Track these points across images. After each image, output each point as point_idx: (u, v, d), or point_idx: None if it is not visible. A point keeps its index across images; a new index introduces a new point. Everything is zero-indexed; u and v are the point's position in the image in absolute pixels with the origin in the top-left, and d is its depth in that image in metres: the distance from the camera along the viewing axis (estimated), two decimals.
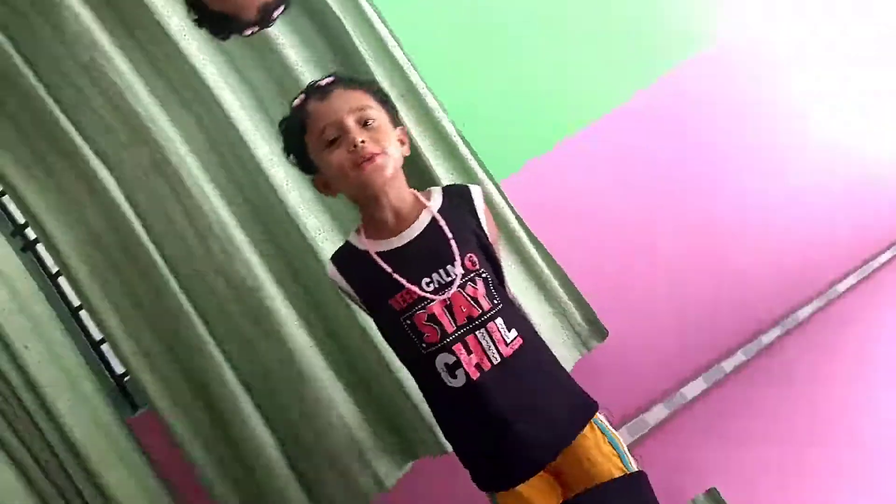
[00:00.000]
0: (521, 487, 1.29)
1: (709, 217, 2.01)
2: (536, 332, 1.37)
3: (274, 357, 1.68)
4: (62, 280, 1.77)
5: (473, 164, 1.79)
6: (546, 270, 1.82)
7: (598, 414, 1.34)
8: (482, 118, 1.90)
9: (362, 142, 1.24)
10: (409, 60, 1.80)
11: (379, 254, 1.29)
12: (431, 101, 1.79)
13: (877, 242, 2.10)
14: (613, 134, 1.96)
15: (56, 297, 1.84)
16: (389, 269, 1.27)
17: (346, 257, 1.35)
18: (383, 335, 1.37)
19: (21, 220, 1.85)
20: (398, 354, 1.37)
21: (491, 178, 1.81)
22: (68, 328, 1.76)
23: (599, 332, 1.87)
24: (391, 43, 1.78)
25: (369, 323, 1.58)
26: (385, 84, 1.73)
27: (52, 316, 1.71)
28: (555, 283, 1.82)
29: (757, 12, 2.08)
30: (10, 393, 1.64)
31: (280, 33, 1.71)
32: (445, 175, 1.76)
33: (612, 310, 1.88)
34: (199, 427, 1.71)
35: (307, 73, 1.70)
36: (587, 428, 1.31)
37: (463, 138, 1.80)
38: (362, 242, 1.32)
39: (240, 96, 1.73)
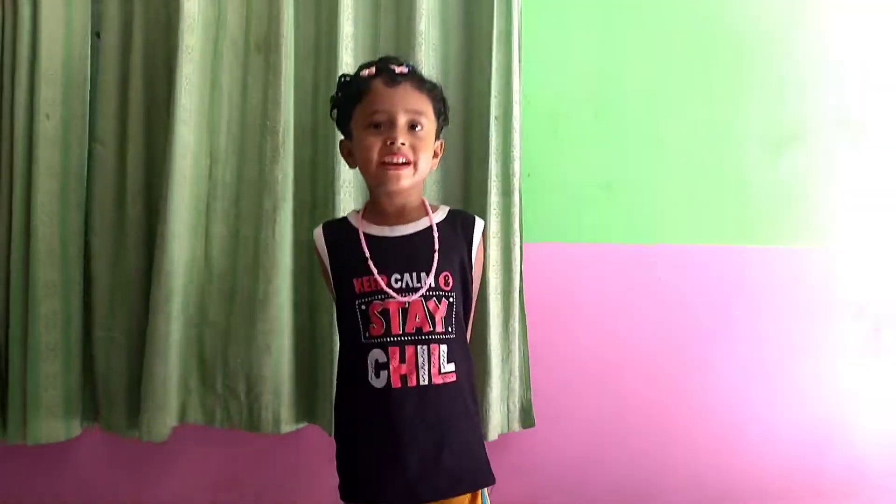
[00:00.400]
0: None
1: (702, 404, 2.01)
2: (473, 383, 1.37)
3: (253, 260, 1.75)
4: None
5: (517, 208, 1.82)
6: (517, 338, 1.85)
7: (486, 490, 1.34)
8: (552, 178, 1.93)
9: (402, 143, 1.27)
10: (520, 92, 1.82)
11: (366, 235, 1.32)
12: (516, 138, 1.82)
13: None
14: (665, 262, 1.97)
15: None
16: (367, 253, 1.30)
17: (336, 229, 1.38)
18: (337, 315, 1.39)
19: None
20: (341, 337, 1.39)
21: (521, 230, 1.84)
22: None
23: (527, 420, 1.89)
24: (515, 68, 1.81)
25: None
26: (492, 100, 1.79)
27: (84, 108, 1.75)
28: (517, 355, 1.85)
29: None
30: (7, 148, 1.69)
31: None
32: (490, 205, 1.80)
33: (551, 415, 1.91)
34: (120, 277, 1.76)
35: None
36: (470, 496, 1.30)
37: (520, 186, 1.83)
38: (357, 221, 1.35)
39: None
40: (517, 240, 1.83)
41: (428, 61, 1.78)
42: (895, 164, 2.04)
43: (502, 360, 1.84)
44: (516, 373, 1.86)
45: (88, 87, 1.74)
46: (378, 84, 1.30)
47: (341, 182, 1.72)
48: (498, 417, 1.83)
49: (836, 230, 2.02)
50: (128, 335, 1.76)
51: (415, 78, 1.33)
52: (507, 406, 1.86)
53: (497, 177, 1.82)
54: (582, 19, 1.95)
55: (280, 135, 1.72)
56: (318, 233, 1.39)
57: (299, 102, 1.78)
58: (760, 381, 2.00)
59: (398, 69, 1.32)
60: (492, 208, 1.80)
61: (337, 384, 1.38)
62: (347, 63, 1.73)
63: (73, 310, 1.73)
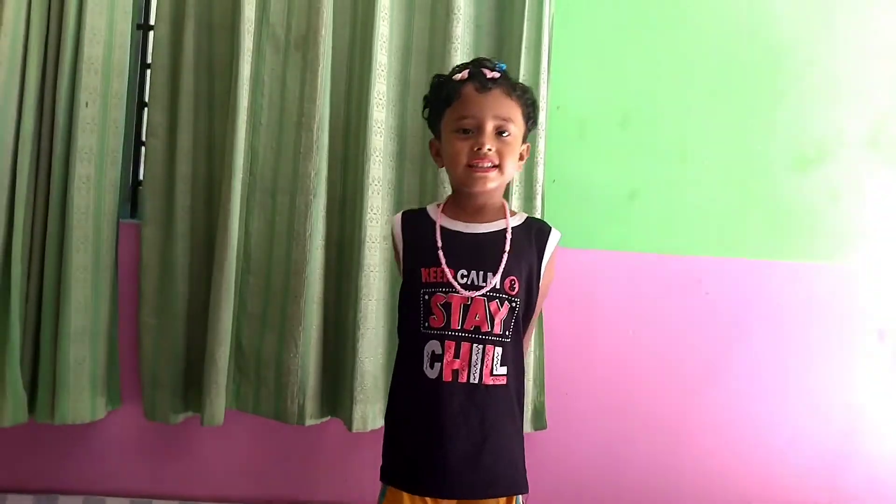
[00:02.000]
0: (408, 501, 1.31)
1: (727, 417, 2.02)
2: (522, 392, 1.38)
3: (285, 254, 1.79)
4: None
5: (538, 213, 1.85)
6: (532, 340, 1.86)
7: (522, 497, 1.35)
8: (577, 185, 1.97)
9: (489, 149, 1.30)
10: (547, 99, 1.87)
11: (442, 228, 1.35)
12: (542, 144, 1.86)
13: None
14: (687, 273, 1.99)
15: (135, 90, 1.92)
16: (440, 244, 1.32)
17: (415, 218, 1.41)
18: (400, 302, 1.40)
19: None
20: (400, 323, 1.39)
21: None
22: (129, 116, 1.85)
23: (539, 422, 1.92)
24: (543, 77, 1.85)
25: (366, 289, 1.75)
26: None
27: (123, 97, 1.79)
28: (531, 357, 1.86)
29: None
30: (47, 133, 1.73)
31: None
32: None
33: (564, 419, 1.94)
34: (169, 264, 1.80)
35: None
36: (505, 500, 1.32)
37: (545, 191, 1.87)
38: (436, 214, 1.38)
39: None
40: None
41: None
42: None
43: None
44: (530, 375, 1.87)
45: (127, 77, 1.78)
46: (469, 89, 1.33)
47: (370, 179, 1.76)
48: None
49: (861, 247, 2.03)
50: (174, 322, 1.80)
51: (506, 83, 1.35)
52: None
53: (520, 182, 1.85)
54: (613, 30, 1.98)
55: (314, 131, 1.75)
56: (397, 218, 1.43)
57: (335, 100, 1.82)
58: (778, 394, 2.02)
59: (490, 74, 1.34)
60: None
61: (394, 370, 1.40)
62: (382, 63, 1.76)
63: (102, 295, 1.77)
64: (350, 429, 1.78)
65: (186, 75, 1.77)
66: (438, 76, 1.42)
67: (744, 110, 2.00)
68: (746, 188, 2.00)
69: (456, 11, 1.79)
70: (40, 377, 1.73)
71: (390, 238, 1.70)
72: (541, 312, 1.85)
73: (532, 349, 1.87)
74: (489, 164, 1.30)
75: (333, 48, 1.80)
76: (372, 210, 1.77)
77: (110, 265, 1.79)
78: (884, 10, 2.04)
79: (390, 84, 1.82)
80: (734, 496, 2.01)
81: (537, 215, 1.84)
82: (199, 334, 1.83)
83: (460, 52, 1.81)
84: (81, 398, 1.74)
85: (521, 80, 1.81)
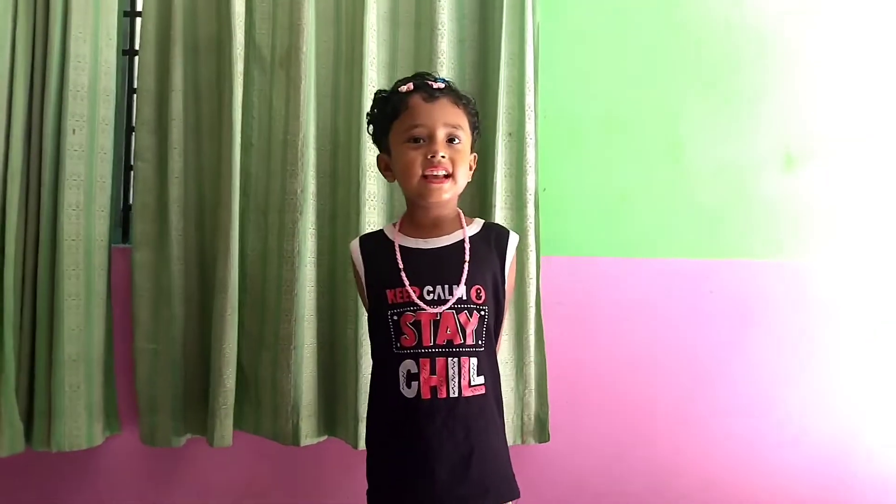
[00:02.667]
0: None
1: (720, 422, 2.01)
2: (500, 397, 1.39)
3: (276, 273, 1.80)
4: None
5: (531, 222, 1.84)
6: (532, 350, 1.87)
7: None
8: (569, 193, 1.96)
9: (442, 156, 1.31)
10: (534, 108, 1.86)
11: (401, 247, 1.35)
12: (531, 153, 1.85)
13: None
14: (680, 276, 1.99)
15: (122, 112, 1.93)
16: (401, 265, 1.33)
17: (372, 242, 1.41)
18: (369, 326, 1.41)
19: None
20: (373, 348, 1.41)
21: (537, 244, 1.86)
22: (117, 141, 1.85)
23: (542, 434, 1.90)
24: (529, 86, 1.84)
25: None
26: (502, 117, 1.83)
27: (111, 123, 1.80)
28: (531, 368, 1.86)
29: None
30: (35, 161, 1.74)
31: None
32: (501, 220, 1.82)
33: (566, 429, 1.93)
34: (163, 287, 1.81)
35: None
36: None
37: (537, 200, 1.86)
38: (393, 234, 1.39)
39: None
40: (532, 254, 1.84)
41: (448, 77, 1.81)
42: None
43: (516, 372, 1.86)
44: (531, 386, 1.87)
45: (114, 103, 1.79)
46: (416, 99, 1.34)
47: (367, 195, 1.76)
48: (510, 429, 1.84)
49: (853, 244, 2.03)
50: (171, 345, 1.80)
51: (451, 93, 1.37)
52: (522, 419, 1.88)
53: (510, 192, 1.85)
54: (599, 36, 1.98)
55: (299, 148, 1.76)
56: (355, 244, 1.43)
57: (321, 116, 1.82)
58: (778, 393, 2.01)
59: (435, 85, 1.36)
60: (504, 223, 1.81)
61: (369, 393, 1.40)
62: (372, 79, 1.77)
63: (95, 321, 1.77)
64: (356, 447, 1.77)
65: (175, 99, 1.78)
66: (380, 91, 1.44)
67: (731, 109, 2.00)
68: (737, 188, 2.00)
69: (440, 27, 1.79)
70: (36, 405, 1.74)
71: None
72: (539, 321, 1.87)
73: (532, 359, 1.86)
74: (443, 173, 1.31)
75: (318, 65, 1.81)
76: (369, 225, 1.76)
77: (103, 291, 1.79)
78: (867, 5, 2.04)
79: None
80: (737, 496, 2.00)
81: (530, 224, 1.84)
82: (197, 357, 1.83)
83: (446, 67, 1.81)
84: (78, 425, 1.74)
85: (506, 91, 1.83)
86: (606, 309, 1.97)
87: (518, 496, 1.34)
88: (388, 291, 1.32)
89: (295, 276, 1.76)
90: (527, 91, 1.84)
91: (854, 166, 2.03)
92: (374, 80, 1.77)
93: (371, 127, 1.43)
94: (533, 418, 1.88)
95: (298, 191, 1.76)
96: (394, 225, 1.41)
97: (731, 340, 2.00)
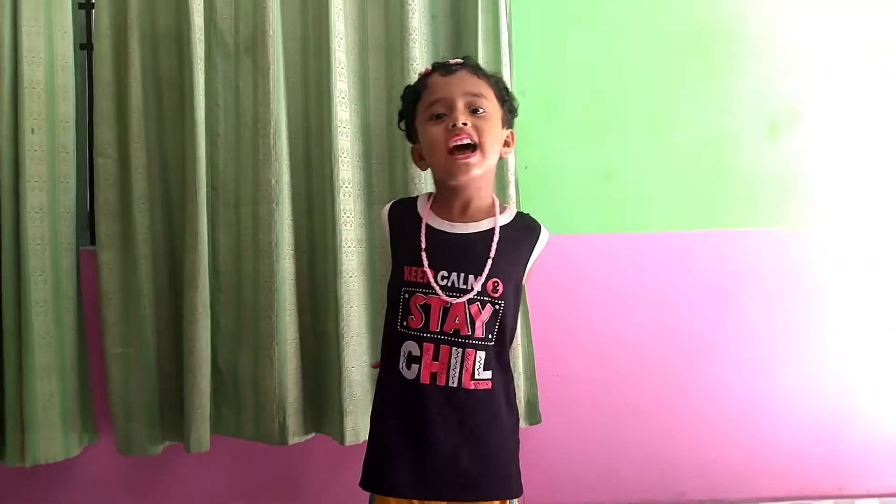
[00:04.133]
0: None
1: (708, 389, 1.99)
2: (511, 393, 1.35)
3: (253, 267, 1.74)
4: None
5: (513, 202, 1.80)
6: (520, 333, 1.82)
7: (517, 501, 1.33)
8: (550, 170, 1.92)
9: (464, 124, 1.25)
10: (512, 83, 1.81)
11: (428, 227, 1.31)
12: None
13: None
14: (667, 250, 1.96)
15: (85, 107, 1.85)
16: (423, 245, 1.28)
17: (403, 209, 1.38)
18: (387, 294, 1.36)
19: None
20: (386, 315, 1.35)
21: None
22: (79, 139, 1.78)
23: (533, 416, 1.87)
24: (505, 62, 1.80)
25: (347, 296, 1.70)
26: None
27: (72, 120, 1.73)
28: (519, 350, 1.83)
29: None
30: None
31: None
32: None
33: (557, 410, 1.90)
34: (132, 288, 1.74)
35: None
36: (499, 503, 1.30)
37: (518, 179, 1.82)
38: (424, 209, 1.34)
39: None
40: None
41: (421, 57, 1.76)
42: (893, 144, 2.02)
43: None
44: (520, 369, 1.83)
45: (74, 99, 1.72)
46: (434, 76, 1.32)
47: (340, 181, 1.70)
48: None
49: (841, 212, 2.00)
50: (144, 348, 1.74)
51: (471, 66, 1.34)
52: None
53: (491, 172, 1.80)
54: (574, 9, 1.94)
55: (271, 136, 1.70)
56: (386, 210, 1.40)
57: (292, 103, 1.77)
58: (771, 364, 1.99)
59: (453, 60, 1.34)
60: None
61: (379, 371, 1.37)
62: (341, 61, 1.70)
63: (66, 327, 1.70)
64: (343, 442, 1.72)
65: (134, 90, 1.70)
66: (404, 89, 1.42)
67: (713, 79, 1.96)
68: (720, 158, 1.96)
69: (410, 2, 1.73)
70: (7, 418, 1.67)
71: (365, 240, 1.74)
72: (525, 303, 1.83)
73: (520, 342, 1.82)
74: (467, 142, 1.25)
75: (285, 49, 1.75)
76: (345, 213, 1.71)
77: (72, 295, 1.72)
78: None
79: (351, 82, 1.76)
80: (729, 473, 1.99)
81: (511, 204, 1.79)
82: (171, 360, 1.77)
83: (419, 44, 1.75)
84: (52, 436, 1.68)
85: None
86: (592, 286, 1.94)
87: (517, 495, 1.32)
88: (406, 268, 1.29)
89: (273, 270, 1.70)
90: (503, 67, 1.78)
91: (839, 133, 1.99)
92: (342, 61, 1.71)
93: (402, 123, 1.40)
94: (523, 401, 1.85)
95: (273, 181, 1.70)
96: (428, 198, 1.37)
97: (719, 312, 1.97)
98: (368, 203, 1.80)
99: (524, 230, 1.34)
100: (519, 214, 1.37)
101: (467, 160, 1.25)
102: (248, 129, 1.74)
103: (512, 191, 1.80)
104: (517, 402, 1.79)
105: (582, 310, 1.94)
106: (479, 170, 1.27)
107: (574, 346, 1.94)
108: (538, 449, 1.89)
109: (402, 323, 1.28)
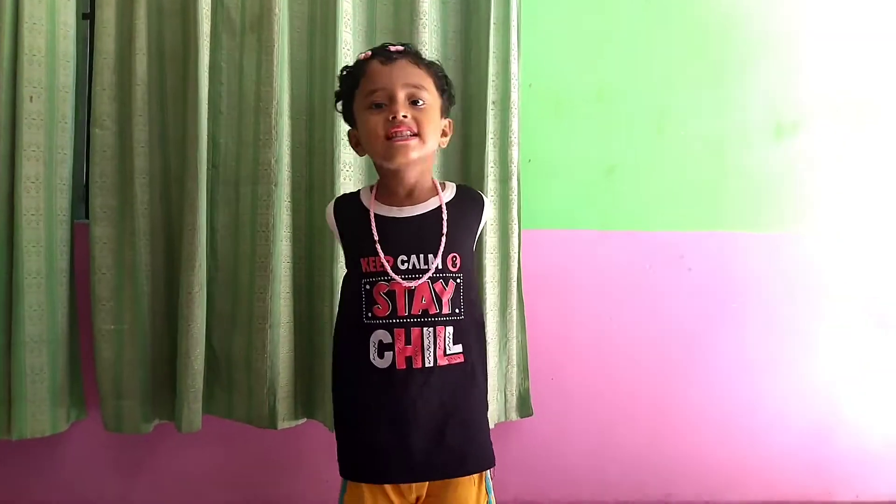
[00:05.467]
0: (368, 498, 1.28)
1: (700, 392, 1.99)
2: (483, 364, 1.35)
3: (250, 248, 1.72)
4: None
5: (514, 195, 1.79)
6: (515, 326, 1.83)
7: (489, 472, 1.33)
8: (554, 164, 1.91)
9: (404, 116, 1.25)
10: (518, 77, 1.79)
11: (376, 216, 1.31)
12: (515, 124, 1.79)
13: None
14: (667, 250, 1.95)
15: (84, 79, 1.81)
16: (375, 235, 1.28)
17: (348, 203, 1.37)
18: (341, 294, 1.37)
19: None
20: (340, 317, 1.36)
21: (519, 217, 1.81)
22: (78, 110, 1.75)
23: (525, 409, 1.87)
24: (514, 53, 1.78)
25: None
26: (490, 85, 1.76)
27: (71, 90, 1.70)
28: (514, 343, 1.83)
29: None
30: None
31: None
32: (487, 192, 1.77)
33: (549, 404, 1.89)
34: (128, 264, 1.72)
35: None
36: (475, 478, 1.30)
37: (520, 171, 1.81)
38: (368, 201, 1.34)
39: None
40: (515, 227, 1.80)
41: (431, 43, 1.75)
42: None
43: (500, 348, 1.82)
44: (514, 361, 1.84)
45: (74, 69, 1.69)
46: (374, 64, 1.29)
47: (341, 165, 1.68)
48: (495, 406, 1.80)
49: (841, 216, 2.00)
50: (138, 325, 1.71)
51: (412, 54, 1.32)
52: (505, 395, 1.84)
53: (494, 163, 1.79)
54: (586, 5, 1.92)
55: (273, 116, 1.68)
56: (330, 208, 1.38)
57: (295, 84, 1.74)
58: (764, 368, 1.99)
59: (393, 48, 1.31)
60: (489, 195, 1.77)
61: (334, 365, 1.35)
62: (347, 42, 1.68)
63: (58, 300, 1.68)
64: (332, 429, 1.70)
65: (139, 63, 1.67)
66: (344, 67, 1.39)
67: (720, 79, 1.96)
68: (724, 160, 1.96)
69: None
70: None
71: None
72: (521, 295, 1.83)
73: (515, 335, 1.83)
74: (408, 133, 1.25)
75: (291, 29, 1.73)
76: None
77: (65, 269, 1.69)
78: None
79: None
80: (718, 475, 1.99)
81: (513, 197, 1.79)
82: (165, 338, 1.75)
83: (428, 29, 1.74)
84: (40, 410, 1.65)
85: (491, 58, 1.77)
86: (590, 282, 1.93)
87: (493, 465, 1.32)
88: (361, 260, 1.28)
89: (270, 251, 1.68)
90: (511, 59, 1.77)
91: (845, 136, 1.99)
92: (349, 43, 1.69)
93: (339, 105, 1.37)
94: (515, 394, 1.85)
95: (272, 161, 1.68)
96: (371, 189, 1.36)
97: (717, 314, 1.97)
98: None
99: (469, 202, 1.36)
100: (459, 188, 1.38)
101: (406, 143, 1.25)
102: (250, 108, 1.72)
103: (514, 183, 1.79)
104: (510, 393, 1.83)
105: (578, 305, 1.93)
106: (417, 153, 1.27)
107: (569, 342, 1.93)
108: (528, 444, 1.89)
109: (367, 314, 1.27)
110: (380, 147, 1.27)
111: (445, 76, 1.36)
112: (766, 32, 1.96)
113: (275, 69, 1.67)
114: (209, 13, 1.67)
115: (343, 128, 1.65)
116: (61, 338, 1.69)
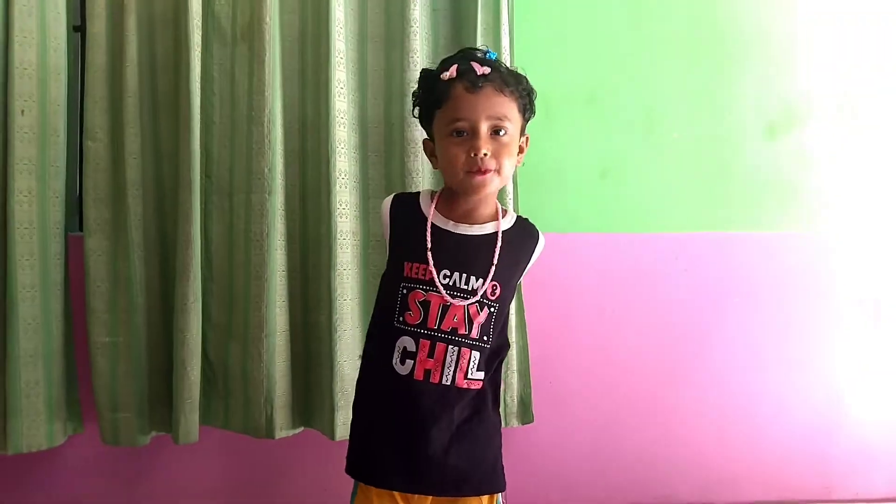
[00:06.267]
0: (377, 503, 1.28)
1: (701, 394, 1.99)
2: (498, 392, 1.35)
3: (244, 257, 1.71)
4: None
5: (510, 198, 1.79)
6: (515, 332, 1.82)
7: (500, 496, 1.33)
8: (547, 168, 1.91)
9: (485, 154, 1.23)
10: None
11: (433, 225, 1.29)
12: None
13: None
14: (663, 251, 1.95)
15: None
16: (429, 244, 1.27)
17: (407, 204, 1.34)
18: (380, 288, 1.35)
19: None
20: (375, 314, 1.35)
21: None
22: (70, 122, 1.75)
23: (526, 416, 1.86)
24: (505, 57, 1.78)
25: (341, 289, 1.69)
26: None
27: (63, 103, 1.70)
28: (514, 348, 1.82)
29: None
30: None
31: None
32: None
33: (550, 410, 1.89)
34: (122, 276, 1.71)
35: None
36: (485, 498, 1.30)
37: (516, 176, 1.81)
38: (429, 207, 1.32)
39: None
40: None
41: (422, 50, 1.75)
42: (892, 146, 2.02)
43: None
44: (514, 367, 1.83)
45: (66, 82, 1.69)
46: (459, 89, 1.25)
47: (337, 173, 1.68)
48: None
49: (835, 215, 2.00)
50: (134, 338, 1.71)
51: (497, 78, 1.27)
52: (505, 401, 1.83)
53: None
54: (575, 6, 1.92)
55: (265, 125, 1.67)
56: (387, 202, 1.35)
57: (288, 92, 1.74)
58: (762, 367, 1.99)
59: (480, 70, 1.25)
60: None
61: (362, 362, 1.36)
62: (340, 50, 1.68)
63: (53, 313, 1.67)
64: (333, 437, 1.71)
65: (130, 74, 1.67)
66: (426, 71, 1.34)
67: (710, 79, 1.96)
68: (718, 160, 1.96)
69: None
70: None
71: (360, 232, 1.74)
72: (521, 300, 1.83)
73: (514, 340, 1.82)
74: (487, 169, 1.24)
75: (282, 37, 1.72)
76: (341, 205, 1.69)
77: (60, 281, 1.69)
78: None
79: (350, 72, 1.74)
80: (718, 475, 1.99)
81: (509, 201, 1.78)
82: (160, 349, 1.75)
83: (420, 37, 1.73)
84: (37, 424, 1.65)
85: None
86: (587, 286, 1.93)
87: (499, 490, 1.32)
88: (405, 263, 1.27)
89: (265, 261, 1.68)
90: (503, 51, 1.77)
91: (839, 135, 1.99)
92: (341, 51, 1.69)
93: (416, 109, 1.35)
94: (516, 400, 1.84)
95: (266, 170, 1.68)
96: (431, 196, 1.34)
97: (713, 315, 1.97)
98: (364, 196, 1.78)
99: (524, 236, 1.35)
100: (519, 219, 1.36)
101: (484, 178, 1.24)
102: (242, 118, 1.72)
103: (510, 187, 1.78)
104: (510, 399, 1.82)
105: (576, 309, 1.93)
106: (494, 188, 1.27)
107: (568, 346, 1.93)
108: (528, 448, 1.89)
109: (398, 318, 1.26)
110: (458, 179, 1.25)
111: (529, 93, 1.33)
112: (758, 31, 1.96)
113: (267, 78, 1.67)
114: (200, 23, 1.67)
115: (339, 136, 1.68)
116: (56, 351, 1.68)
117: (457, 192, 1.30)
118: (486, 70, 1.26)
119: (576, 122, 1.92)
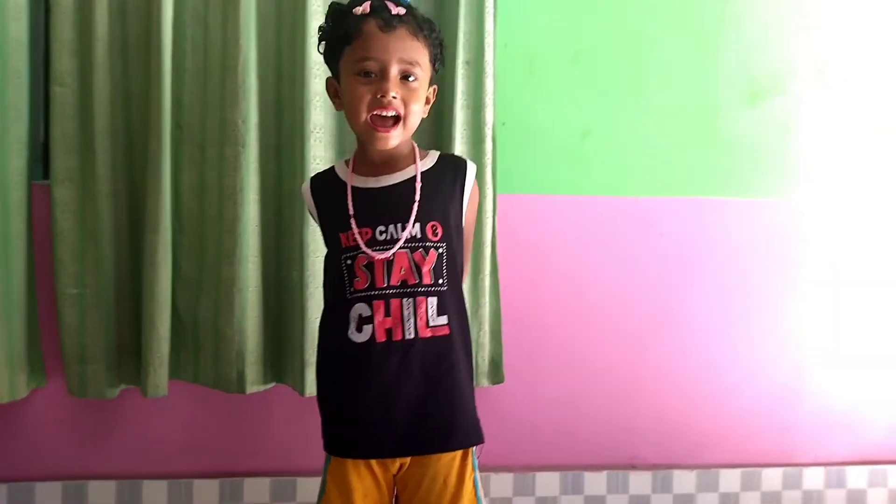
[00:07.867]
0: (352, 476, 1.25)
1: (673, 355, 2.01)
2: (468, 337, 1.32)
3: (217, 210, 1.68)
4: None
5: (488, 158, 1.77)
6: (488, 292, 1.81)
7: (476, 448, 1.31)
8: (528, 127, 1.89)
9: (393, 97, 1.20)
10: (493, 33, 1.76)
11: (353, 188, 1.27)
12: (489, 84, 1.76)
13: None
14: (641, 215, 1.95)
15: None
16: (351, 210, 1.25)
17: (325, 180, 1.33)
18: (324, 270, 1.33)
19: None
20: (326, 295, 1.33)
21: (494, 181, 1.79)
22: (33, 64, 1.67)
23: (497, 376, 1.86)
24: (489, 10, 1.74)
25: (313, 245, 1.66)
26: (461, 43, 1.72)
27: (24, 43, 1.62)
28: (486, 309, 1.82)
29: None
30: None
31: None
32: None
33: (522, 370, 1.90)
34: (91, 227, 1.66)
35: None
36: (461, 454, 1.28)
37: (495, 134, 1.78)
38: (345, 174, 1.30)
39: None
40: (490, 192, 1.77)
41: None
42: (872, 115, 2.03)
43: (472, 314, 1.79)
44: (486, 328, 1.82)
45: (27, 20, 1.60)
46: (371, 26, 1.20)
47: (311, 126, 1.64)
48: None
49: (812, 183, 2.01)
50: (103, 289, 1.66)
51: (412, 21, 1.23)
52: (477, 361, 1.82)
53: (467, 126, 1.76)
54: None
55: (240, 74, 1.62)
56: (306, 187, 1.35)
57: (263, 41, 1.68)
58: (733, 332, 2.01)
59: (395, 10, 1.22)
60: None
61: (318, 340, 1.34)
62: None
63: (14, 264, 1.62)
64: (302, 393, 1.70)
65: (100, 17, 1.59)
66: (335, 5, 1.28)
67: (694, 44, 1.94)
68: (699, 124, 1.95)
69: None
70: None
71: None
72: (495, 261, 1.82)
73: (487, 300, 1.81)
74: (392, 115, 1.21)
75: None
76: (315, 160, 1.65)
77: (22, 231, 1.63)
78: None
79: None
80: (684, 438, 2.02)
81: (487, 160, 1.76)
82: (130, 302, 1.71)
83: None
84: None
85: (464, 15, 1.71)
86: (563, 247, 1.92)
87: (482, 441, 1.30)
88: (341, 235, 1.25)
89: (238, 214, 1.64)
90: (486, 15, 1.73)
91: (821, 101, 2.00)
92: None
93: (321, 45, 1.29)
94: (487, 360, 1.84)
95: (240, 121, 1.63)
96: (346, 162, 1.32)
97: (687, 280, 1.98)
98: (339, 151, 1.74)
99: (451, 169, 1.32)
100: (442, 156, 1.34)
101: (388, 133, 1.22)
102: (215, 66, 1.66)
103: (489, 146, 1.76)
104: (482, 359, 1.82)
105: (550, 271, 1.93)
106: (397, 141, 1.24)
107: (541, 307, 1.93)
108: (498, 409, 1.89)
109: (350, 290, 1.24)
110: (361, 125, 1.22)
111: (440, 44, 1.30)
112: None
113: (241, 25, 1.61)
114: None
115: (315, 87, 1.63)
116: (18, 303, 1.63)
117: (367, 149, 1.27)
118: (401, 10, 1.22)
119: (559, 82, 1.89)
